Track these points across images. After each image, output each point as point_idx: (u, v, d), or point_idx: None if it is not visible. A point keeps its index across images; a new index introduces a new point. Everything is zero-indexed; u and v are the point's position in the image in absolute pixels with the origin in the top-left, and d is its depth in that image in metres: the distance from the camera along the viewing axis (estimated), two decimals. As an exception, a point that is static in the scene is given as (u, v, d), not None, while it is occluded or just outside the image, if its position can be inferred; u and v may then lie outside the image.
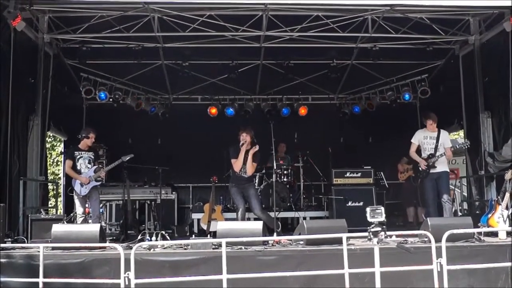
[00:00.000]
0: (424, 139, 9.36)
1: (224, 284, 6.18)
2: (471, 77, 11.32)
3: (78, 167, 9.24)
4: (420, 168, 9.26)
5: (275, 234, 8.65)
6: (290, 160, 12.45)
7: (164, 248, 7.40)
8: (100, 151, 11.65)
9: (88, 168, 9.26)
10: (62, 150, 14.56)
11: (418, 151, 9.43)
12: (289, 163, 12.27)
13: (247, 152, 9.43)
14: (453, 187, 10.79)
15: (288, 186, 11.85)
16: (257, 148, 9.44)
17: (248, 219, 10.03)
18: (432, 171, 9.16)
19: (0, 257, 6.82)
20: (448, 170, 9.38)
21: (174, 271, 6.78)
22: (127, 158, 9.31)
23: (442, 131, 9.40)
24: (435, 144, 9.24)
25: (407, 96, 13.33)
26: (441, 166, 9.21)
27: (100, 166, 9.56)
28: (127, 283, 6.10)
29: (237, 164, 9.45)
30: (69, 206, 11.45)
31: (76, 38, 11.12)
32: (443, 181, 9.16)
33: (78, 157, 9.28)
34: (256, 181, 11.37)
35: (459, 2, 9.05)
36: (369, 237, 5.52)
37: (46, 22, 10.64)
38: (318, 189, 13.19)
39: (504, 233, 7.81)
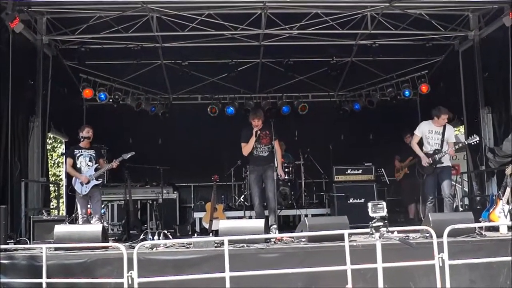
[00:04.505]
0: (429, 133, 9.09)
1: (227, 282, 6.21)
2: (471, 73, 11.32)
3: (78, 165, 9.12)
4: (423, 164, 9.00)
5: (276, 231, 8.66)
6: (291, 158, 12.45)
7: (167, 247, 7.42)
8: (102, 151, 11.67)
9: (89, 166, 9.13)
10: (63, 152, 14.56)
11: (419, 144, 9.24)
12: (290, 160, 12.27)
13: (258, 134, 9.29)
14: (454, 183, 10.76)
15: (289, 183, 11.83)
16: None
17: (250, 217, 10.03)
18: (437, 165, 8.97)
19: (1, 258, 6.85)
20: (451, 165, 9.24)
21: (176, 270, 6.80)
22: (128, 156, 9.23)
23: (447, 125, 9.17)
24: (440, 139, 9.01)
25: (407, 92, 13.30)
26: (444, 161, 9.02)
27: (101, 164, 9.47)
28: (130, 282, 6.14)
29: (246, 149, 9.31)
30: (71, 207, 11.41)
31: (74, 39, 11.11)
32: (445, 176, 8.96)
33: (78, 155, 9.16)
34: None
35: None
36: (371, 232, 5.50)
37: (45, 24, 10.64)
38: (319, 187, 13.19)
39: (505, 228, 7.84)
